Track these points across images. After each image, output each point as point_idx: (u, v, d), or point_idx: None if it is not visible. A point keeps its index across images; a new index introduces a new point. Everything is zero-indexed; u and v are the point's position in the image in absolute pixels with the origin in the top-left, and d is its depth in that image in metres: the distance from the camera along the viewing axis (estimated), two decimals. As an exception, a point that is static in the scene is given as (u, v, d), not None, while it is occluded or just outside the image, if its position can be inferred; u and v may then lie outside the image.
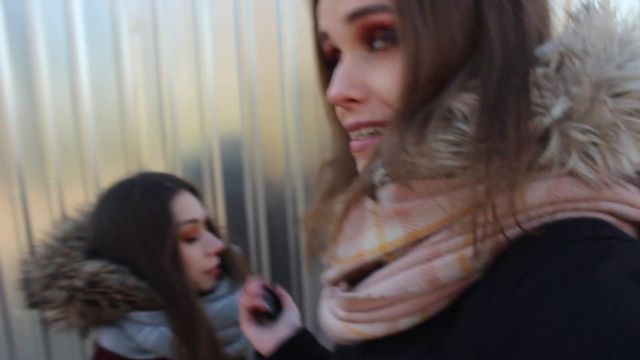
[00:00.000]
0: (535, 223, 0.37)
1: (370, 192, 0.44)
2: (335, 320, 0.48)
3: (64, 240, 0.98)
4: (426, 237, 0.41)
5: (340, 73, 0.45)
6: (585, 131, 0.36)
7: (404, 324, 0.42)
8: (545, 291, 0.32)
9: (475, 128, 0.37)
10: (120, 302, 0.92)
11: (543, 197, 0.37)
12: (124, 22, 1.39)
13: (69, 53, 1.41)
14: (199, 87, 1.40)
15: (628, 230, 0.39)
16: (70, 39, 1.41)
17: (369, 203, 0.44)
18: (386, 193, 0.43)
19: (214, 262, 1.02)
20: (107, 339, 0.95)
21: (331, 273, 0.52)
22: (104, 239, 0.96)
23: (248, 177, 1.50)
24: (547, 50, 0.39)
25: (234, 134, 1.40)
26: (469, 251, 0.38)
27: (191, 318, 0.95)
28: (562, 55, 0.38)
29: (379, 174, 0.42)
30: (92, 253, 0.96)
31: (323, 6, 0.47)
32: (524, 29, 0.40)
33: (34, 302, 0.95)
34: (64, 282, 0.91)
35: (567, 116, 0.37)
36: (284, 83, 1.41)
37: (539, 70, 0.38)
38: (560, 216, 0.37)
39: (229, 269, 1.08)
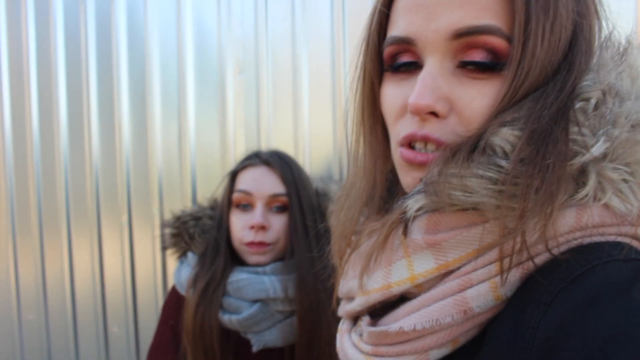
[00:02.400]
0: (564, 247, 0.37)
1: (402, 223, 0.43)
2: (360, 355, 0.46)
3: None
4: (457, 268, 0.41)
5: (425, 81, 0.42)
6: (617, 169, 0.37)
7: (433, 355, 0.41)
8: (578, 312, 0.32)
9: (512, 166, 0.37)
10: (177, 237, 1.12)
11: (572, 224, 0.38)
12: (229, 65, 1.50)
13: (179, 94, 1.54)
14: (295, 128, 1.45)
15: None
16: (181, 82, 1.54)
17: (398, 234, 0.44)
18: (417, 224, 0.42)
19: (251, 236, 1.03)
20: (175, 270, 1.14)
21: (353, 306, 0.50)
22: None
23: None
24: (584, 85, 0.39)
25: (327, 175, 1.43)
26: (504, 277, 0.38)
27: (207, 271, 1.04)
28: (603, 94, 0.38)
29: (414, 205, 0.42)
30: None
31: (415, 6, 0.44)
32: (582, 76, 0.41)
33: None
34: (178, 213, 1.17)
35: (604, 156, 0.37)
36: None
37: (577, 104, 0.39)
38: (587, 241, 0.38)
39: (293, 255, 1.05)
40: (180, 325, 1.05)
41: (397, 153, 0.47)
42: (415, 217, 0.42)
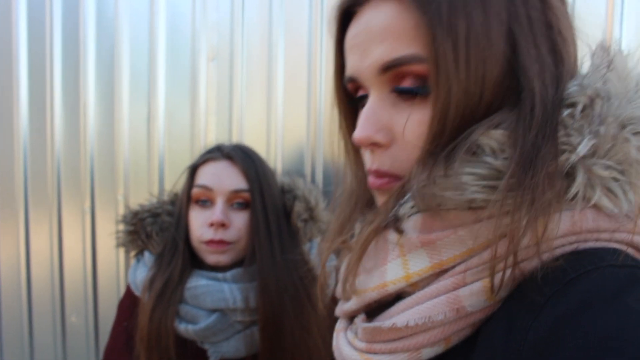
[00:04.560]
0: (558, 252, 0.38)
1: (394, 224, 0.44)
2: (354, 352, 0.47)
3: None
4: (451, 267, 0.41)
5: (366, 115, 0.46)
6: (608, 167, 0.38)
7: (426, 354, 0.42)
8: (571, 316, 0.32)
9: (507, 163, 0.38)
10: (133, 234, 1.06)
11: (567, 228, 0.38)
12: (203, 51, 1.46)
13: (149, 77, 1.49)
14: (269, 118, 1.43)
15: None
16: (152, 65, 1.49)
17: (392, 235, 0.45)
18: (411, 224, 0.43)
19: (209, 234, 0.97)
20: (130, 269, 1.09)
21: (349, 305, 0.51)
22: None
23: (307, 210, 1.50)
24: (572, 91, 0.41)
25: (299, 167, 1.42)
26: (494, 280, 0.38)
27: (163, 273, 0.99)
28: (589, 98, 0.40)
29: (406, 207, 0.43)
30: None
31: (352, 46, 0.47)
32: (562, 79, 0.42)
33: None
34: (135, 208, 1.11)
35: (592, 153, 0.38)
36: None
37: (565, 111, 0.40)
38: (582, 246, 0.38)
39: (255, 258, 0.99)
40: (134, 327, 1.00)
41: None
42: (409, 217, 0.43)
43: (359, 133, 0.45)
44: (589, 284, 0.34)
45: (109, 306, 1.59)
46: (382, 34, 0.44)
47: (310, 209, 1.08)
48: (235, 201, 1.00)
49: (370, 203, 0.56)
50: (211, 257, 0.99)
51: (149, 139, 1.51)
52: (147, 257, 1.05)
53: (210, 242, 0.98)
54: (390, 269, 0.45)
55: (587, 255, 0.37)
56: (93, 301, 1.60)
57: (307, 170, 1.40)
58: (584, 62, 0.45)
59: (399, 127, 0.45)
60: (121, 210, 1.55)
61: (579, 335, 0.31)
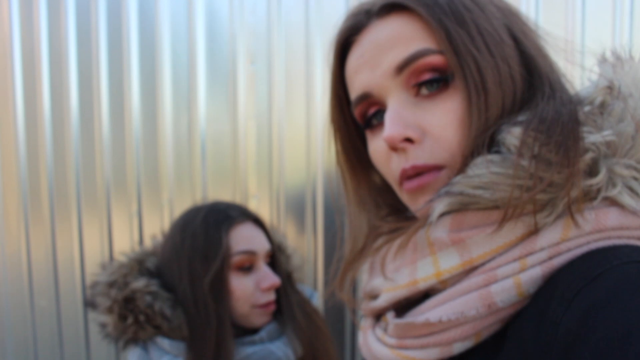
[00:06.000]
0: (585, 249, 0.39)
1: (427, 224, 0.46)
2: (384, 348, 0.48)
3: (139, 259, 1.00)
4: (481, 265, 0.42)
5: (391, 116, 0.46)
6: (628, 166, 0.39)
7: (457, 348, 0.43)
8: (599, 307, 0.33)
9: (532, 162, 0.39)
10: (145, 323, 0.92)
11: (592, 226, 0.39)
12: (241, 55, 1.47)
13: (190, 84, 1.52)
14: (308, 120, 1.43)
15: None
16: (192, 70, 1.51)
17: (421, 234, 0.46)
18: (441, 224, 0.44)
19: (267, 297, 0.98)
20: (131, 357, 0.95)
21: (378, 302, 0.52)
22: (163, 261, 0.99)
23: (348, 212, 1.50)
24: (590, 91, 0.42)
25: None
26: (524, 276, 0.39)
27: (214, 355, 0.91)
28: (608, 95, 0.41)
29: (438, 208, 0.43)
30: (157, 274, 0.98)
31: (359, 66, 0.49)
32: (560, 72, 0.45)
33: (87, 302, 0.98)
34: (113, 292, 0.93)
35: (613, 152, 0.39)
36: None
37: (586, 108, 0.41)
38: (607, 243, 0.39)
39: (282, 310, 1.02)
40: None
41: (404, 193, 0.49)
42: (439, 218, 0.44)
43: (389, 131, 0.45)
44: (614, 278, 0.35)
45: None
46: (391, 42, 0.46)
47: (287, 256, 1.11)
48: (267, 261, 1.03)
49: (381, 232, 0.57)
50: (262, 318, 1.00)
51: (190, 144, 1.54)
52: (167, 344, 0.92)
53: (266, 305, 0.99)
54: (421, 266, 0.46)
55: (611, 252, 0.38)
56: (143, 300, 1.66)
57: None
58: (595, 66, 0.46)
59: (428, 122, 0.45)
60: (166, 213, 1.59)
61: (608, 325, 0.32)
